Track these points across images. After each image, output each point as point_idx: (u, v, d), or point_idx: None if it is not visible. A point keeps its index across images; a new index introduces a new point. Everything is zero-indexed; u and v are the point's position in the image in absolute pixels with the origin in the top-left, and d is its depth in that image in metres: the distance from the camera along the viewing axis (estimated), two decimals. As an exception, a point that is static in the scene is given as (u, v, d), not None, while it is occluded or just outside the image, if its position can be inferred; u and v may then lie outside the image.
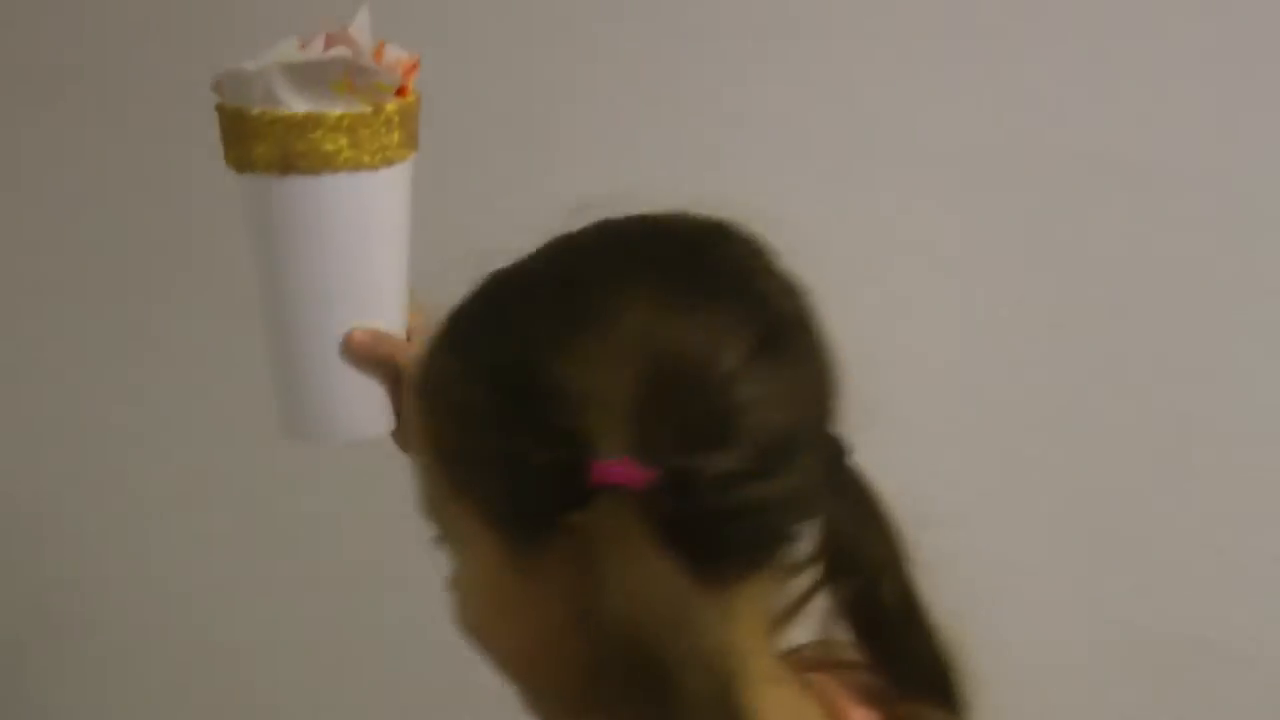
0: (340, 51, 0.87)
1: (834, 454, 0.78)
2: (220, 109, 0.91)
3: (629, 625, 0.68)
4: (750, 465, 0.71)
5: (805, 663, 0.84)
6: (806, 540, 0.78)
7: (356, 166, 0.89)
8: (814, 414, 0.76)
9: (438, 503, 0.77)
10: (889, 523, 0.82)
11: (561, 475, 0.70)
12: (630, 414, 0.70)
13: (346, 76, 0.87)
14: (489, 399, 0.73)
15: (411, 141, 0.93)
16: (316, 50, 0.89)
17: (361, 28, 0.90)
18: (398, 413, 0.95)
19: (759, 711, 0.71)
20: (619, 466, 0.69)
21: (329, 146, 0.88)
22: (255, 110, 0.89)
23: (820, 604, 0.82)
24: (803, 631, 0.84)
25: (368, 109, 0.89)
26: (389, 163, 0.91)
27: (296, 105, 0.88)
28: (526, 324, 0.73)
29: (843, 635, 0.83)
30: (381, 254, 0.93)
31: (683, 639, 0.68)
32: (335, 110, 0.88)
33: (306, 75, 0.88)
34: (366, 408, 0.94)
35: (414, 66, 0.92)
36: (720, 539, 0.72)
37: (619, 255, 0.76)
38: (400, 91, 0.91)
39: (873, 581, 0.80)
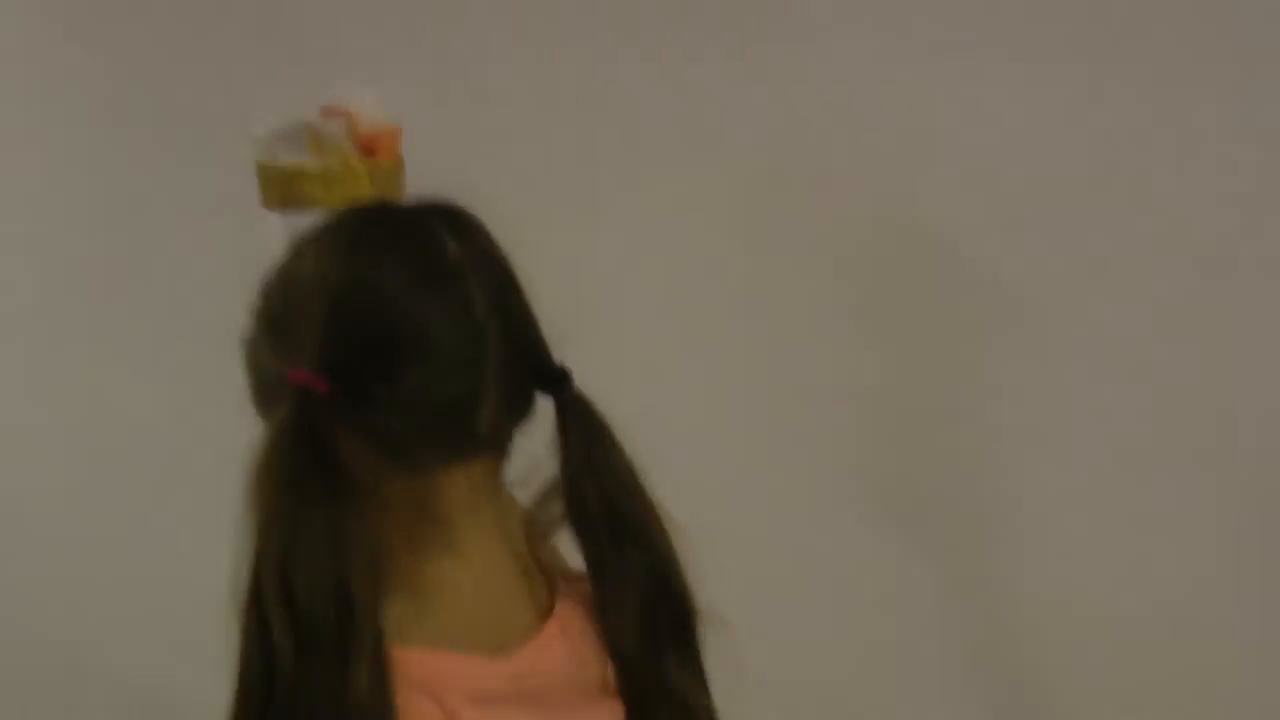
0: (312, 119, 1.14)
1: (551, 377, 1.03)
2: (257, 164, 1.21)
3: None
4: (414, 375, 0.97)
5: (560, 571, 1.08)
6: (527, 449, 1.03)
7: (346, 199, 1.13)
8: (487, 336, 0.99)
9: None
10: (607, 443, 1.02)
11: (277, 380, 0.99)
12: (316, 337, 0.98)
13: (314, 141, 1.12)
14: (255, 332, 1.03)
15: (391, 194, 1.16)
16: (314, 119, 1.15)
17: (364, 102, 1.14)
18: None
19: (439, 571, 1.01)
20: (304, 375, 0.96)
21: (309, 191, 1.13)
22: (263, 162, 1.18)
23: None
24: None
25: (336, 165, 1.13)
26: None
27: (286, 160, 1.14)
28: (268, 282, 1.04)
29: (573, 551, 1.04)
30: None
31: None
32: (314, 165, 1.13)
33: (291, 138, 1.13)
34: None
35: (393, 136, 1.15)
36: (398, 434, 0.98)
37: (327, 227, 1.03)
38: (372, 153, 1.14)
39: (583, 489, 1.01)
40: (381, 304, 0.98)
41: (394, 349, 0.97)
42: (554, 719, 1.03)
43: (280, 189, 1.16)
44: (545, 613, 1.08)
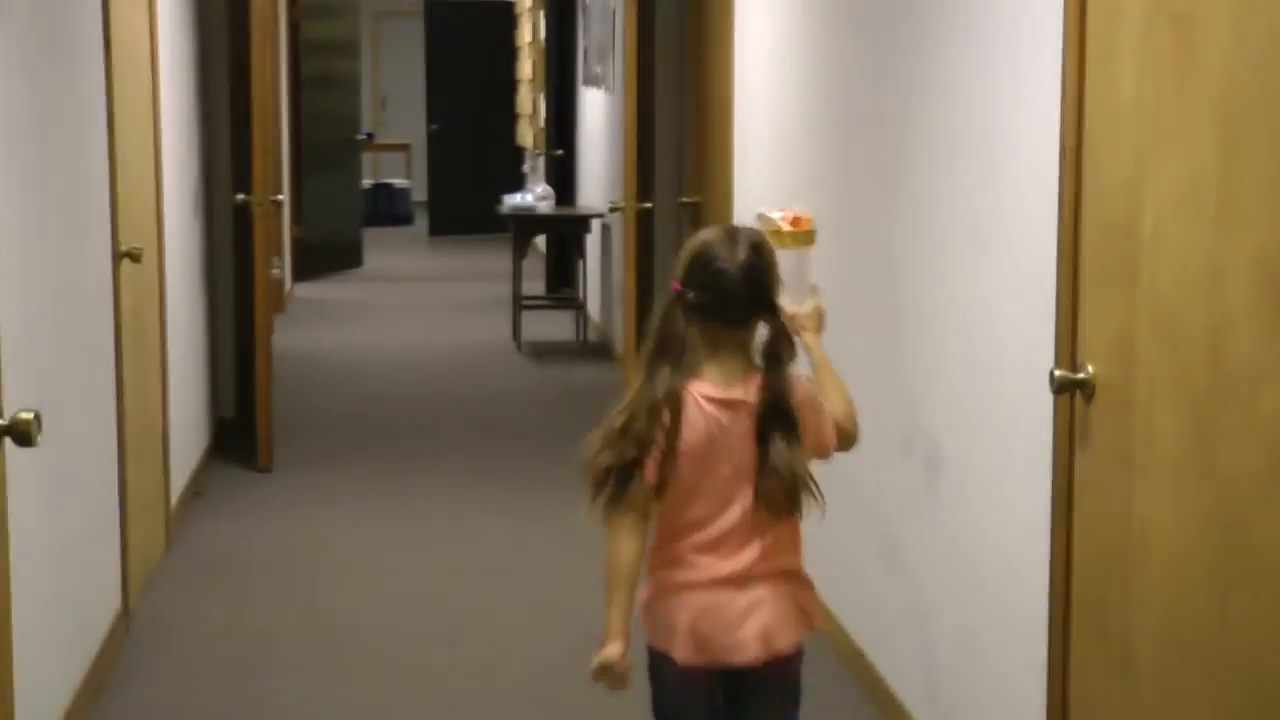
0: (770, 213, 4.28)
1: (766, 309, 2.82)
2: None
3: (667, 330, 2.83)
4: (709, 296, 2.79)
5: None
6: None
7: (781, 246, 3.74)
8: (740, 282, 2.79)
9: None
10: (790, 340, 2.83)
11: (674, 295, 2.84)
12: (684, 272, 2.82)
13: (763, 222, 4.03)
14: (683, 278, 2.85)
15: (804, 243, 4.17)
16: (776, 214, 4.35)
17: (800, 209, 4.19)
18: None
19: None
20: (676, 286, 2.83)
21: (773, 240, 3.28)
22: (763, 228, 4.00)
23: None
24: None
25: (773, 230, 4.15)
26: (787, 248, 4.01)
27: (764, 228, 4.00)
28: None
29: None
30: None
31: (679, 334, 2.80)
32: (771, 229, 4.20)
33: (764, 222, 4.12)
34: None
35: (798, 220, 4.20)
36: (708, 314, 2.78)
37: (705, 233, 2.91)
38: (795, 224, 4.19)
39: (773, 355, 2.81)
40: (707, 259, 2.80)
41: (700, 283, 2.79)
42: (731, 424, 2.79)
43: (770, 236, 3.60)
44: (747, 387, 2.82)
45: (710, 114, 6.60)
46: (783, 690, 2.87)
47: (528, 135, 14.17)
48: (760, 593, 2.78)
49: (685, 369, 2.74)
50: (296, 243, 12.27)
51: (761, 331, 2.82)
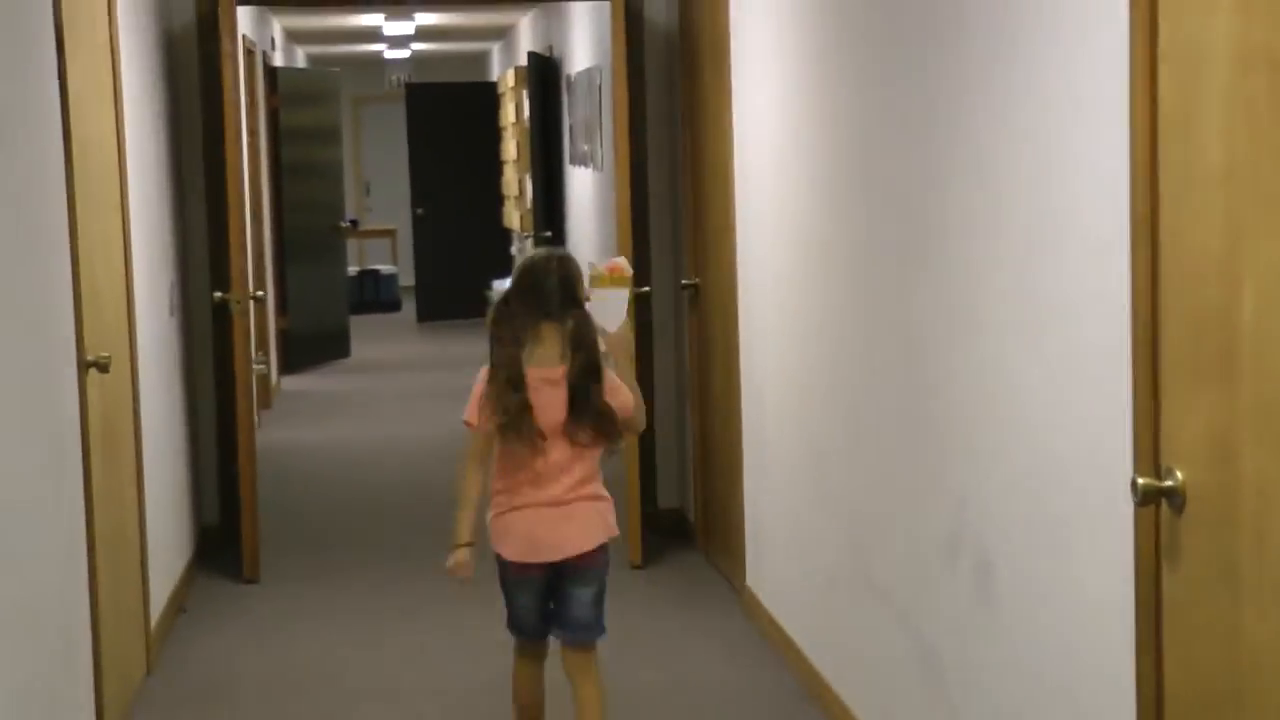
0: (598, 264, 4.23)
1: (575, 307, 4.01)
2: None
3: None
4: (534, 297, 4.00)
5: None
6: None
7: (601, 285, 4.14)
8: (555, 286, 4.00)
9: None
10: (591, 337, 3.98)
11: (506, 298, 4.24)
12: (516, 280, 4.12)
13: (592, 269, 4.16)
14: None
15: (619, 284, 4.17)
16: (604, 264, 4.25)
17: (620, 261, 4.25)
18: None
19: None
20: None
21: (594, 282, 4.12)
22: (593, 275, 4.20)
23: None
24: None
25: (596, 274, 4.16)
26: (605, 287, 4.15)
27: (592, 273, 4.18)
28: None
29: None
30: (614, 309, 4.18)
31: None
32: (596, 273, 4.19)
33: (593, 269, 4.17)
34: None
35: (616, 268, 4.19)
36: (534, 311, 4.00)
37: (531, 254, 4.25)
38: (613, 270, 4.18)
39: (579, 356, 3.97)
40: (531, 271, 4.04)
41: (524, 287, 4.01)
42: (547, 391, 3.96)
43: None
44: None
45: (708, 184, 6.27)
46: (593, 573, 4.09)
47: (514, 217, 13.88)
48: (572, 510, 4.01)
49: (521, 353, 3.95)
50: (282, 334, 11.94)
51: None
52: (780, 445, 5.29)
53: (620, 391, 4.00)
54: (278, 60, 13.05)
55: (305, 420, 10.23)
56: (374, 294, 16.56)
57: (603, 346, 4.04)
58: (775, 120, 5.19)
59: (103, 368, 4.28)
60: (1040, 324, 3.09)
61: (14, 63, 3.89)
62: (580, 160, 10.12)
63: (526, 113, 12.04)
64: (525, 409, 3.90)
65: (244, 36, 9.74)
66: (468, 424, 4.02)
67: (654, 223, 7.03)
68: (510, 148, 14.01)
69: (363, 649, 5.58)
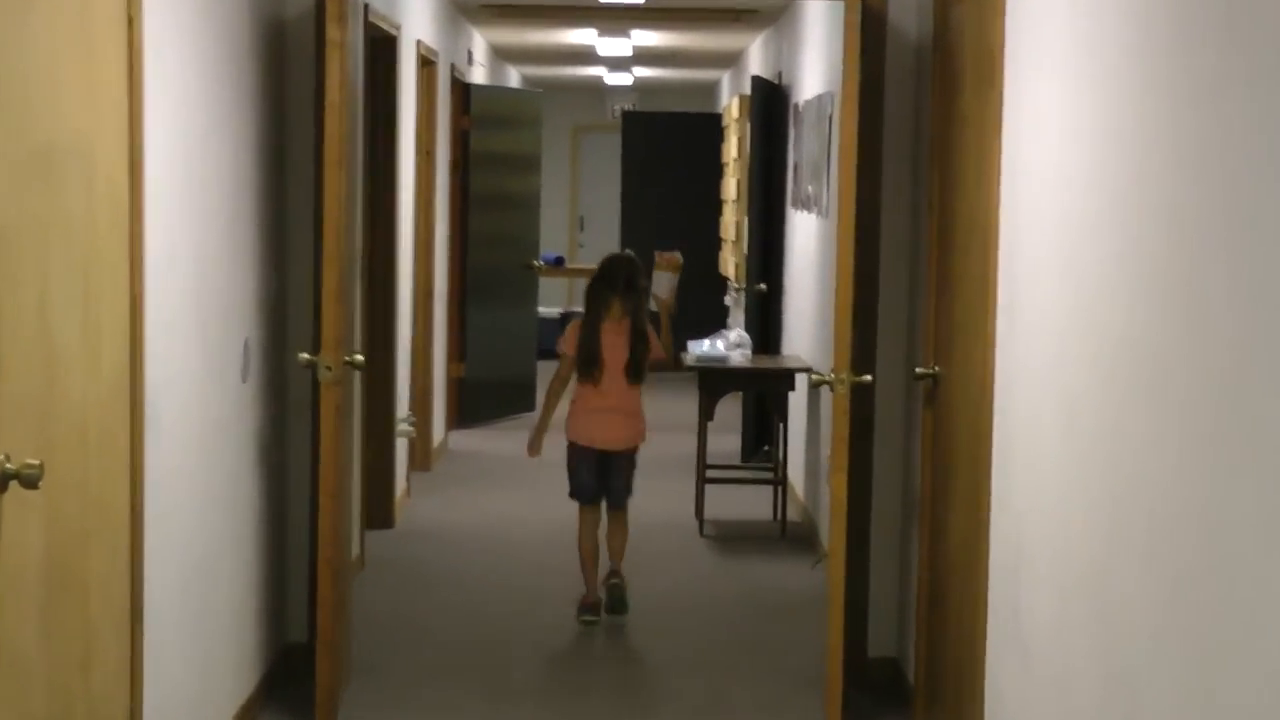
0: (660, 253, 7.15)
1: (632, 291, 6.44)
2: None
3: None
4: (609, 276, 6.49)
5: None
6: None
7: (659, 270, 6.95)
8: (622, 276, 6.44)
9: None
10: (641, 313, 6.48)
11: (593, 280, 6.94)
12: (600, 268, 6.66)
13: (657, 257, 7.09)
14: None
15: (672, 269, 6.96)
16: (664, 255, 7.14)
17: (674, 253, 7.09)
18: None
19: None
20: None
21: (657, 267, 6.95)
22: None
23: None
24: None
25: (659, 261, 7.07)
26: (662, 270, 6.96)
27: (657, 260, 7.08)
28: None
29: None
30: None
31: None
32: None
33: (658, 255, 7.12)
34: None
35: (672, 259, 7.01)
36: (609, 285, 6.50)
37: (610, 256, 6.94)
38: (667, 260, 7.02)
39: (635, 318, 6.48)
40: (606, 265, 6.50)
41: (603, 273, 6.42)
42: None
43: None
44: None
45: (959, 243, 4.65)
46: (626, 459, 6.39)
47: (729, 264, 12.35)
48: (617, 420, 6.31)
49: (600, 311, 6.28)
50: (456, 383, 10.58)
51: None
52: (1046, 604, 3.64)
53: (655, 345, 6.32)
54: (475, 77, 11.74)
55: (466, 489, 8.82)
56: (575, 339, 15.19)
57: (653, 306, 6.53)
58: (1071, 166, 3.56)
59: (28, 481, 2.83)
60: None
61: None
62: (803, 204, 8.55)
63: (749, 147, 10.50)
64: (596, 348, 6.20)
65: (419, 43, 8.39)
66: (562, 354, 6.30)
67: (884, 292, 5.42)
68: (731, 186, 12.50)
69: None
